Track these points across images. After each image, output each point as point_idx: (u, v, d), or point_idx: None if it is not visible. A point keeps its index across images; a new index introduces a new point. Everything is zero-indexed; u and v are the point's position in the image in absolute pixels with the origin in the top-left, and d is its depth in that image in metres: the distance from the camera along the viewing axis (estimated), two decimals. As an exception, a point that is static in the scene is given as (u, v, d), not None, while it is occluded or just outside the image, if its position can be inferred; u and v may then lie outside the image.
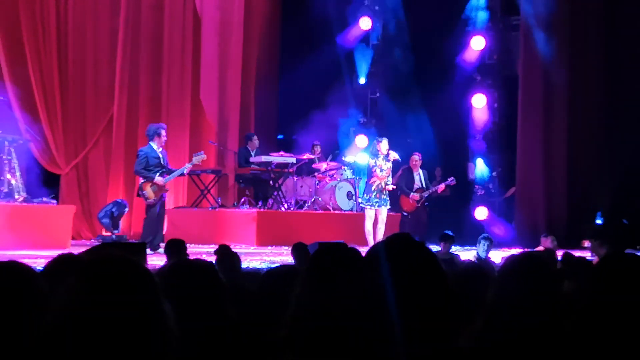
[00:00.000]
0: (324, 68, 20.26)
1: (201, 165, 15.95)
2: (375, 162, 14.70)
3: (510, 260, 3.44)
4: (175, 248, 8.43)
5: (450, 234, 12.41)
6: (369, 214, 14.83)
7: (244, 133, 18.99)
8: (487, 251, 11.93)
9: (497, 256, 13.08)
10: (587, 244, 15.28)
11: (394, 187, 15.88)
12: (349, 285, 3.04)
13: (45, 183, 16.71)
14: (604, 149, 19.23)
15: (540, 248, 13.64)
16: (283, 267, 4.84)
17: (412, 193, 17.37)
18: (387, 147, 14.75)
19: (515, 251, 14.93)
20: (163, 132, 14.36)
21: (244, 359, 3.42)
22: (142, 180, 14.25)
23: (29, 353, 2.18)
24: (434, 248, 11.21)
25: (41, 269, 4.06)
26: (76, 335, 2.07)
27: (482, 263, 10.83)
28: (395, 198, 17.00)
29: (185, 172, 14.94)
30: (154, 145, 14.31)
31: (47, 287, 3.27)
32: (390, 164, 14.79)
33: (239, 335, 3.53)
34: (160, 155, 14.39)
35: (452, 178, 17.68)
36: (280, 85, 21.07)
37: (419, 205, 17.50)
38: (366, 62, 21.52)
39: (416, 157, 17.21)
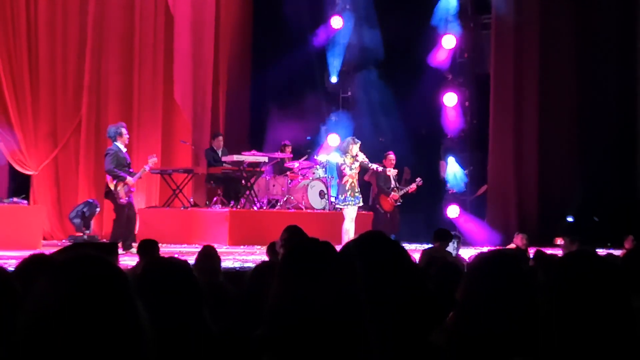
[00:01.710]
0: (295, 67, 20.27)
1: (173, 164, 15.91)
2: (344, 161, 14.69)
3: (479, 258, 3.46)
4: (148, 248, 8.41)
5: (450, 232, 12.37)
6: (349, 212, 14.76)
7: (215, 132, 18.97)
8: (457, 249, 11.96)
9: (468, 254, 13.11)
10: (559, 241, 15.38)
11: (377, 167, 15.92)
12: (324, 281, 3.04)
13: (16, 183, 16.62)
14: (575, 147, 19.36)
15: (512, 246, 13.73)
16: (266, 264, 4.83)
17: (391, 193, 17.43)
18: (358, 150, 14.75)
19: (486, 249, 15.03)
20: (124, 131, 14.30)
21: (220, 357, 3.42)
22: (114, 181, 14.18)
23: (3, 354, 2.17)
24: (410, 246, 11.23)
25: (12, 269, 4.04)
26: (50, 335, 2.06)
27: (453, 261, 10.85)
28: (366, 197, 17.01)
29: (143, 173, 14.84)
30: (119, 145, 14.26)
31: (20, 287, 3.26)
32: (358, 163, 14.78)
33: (215, 333, 3.53)
34: (125, 156, 14.37)
35: (420, 179, 17.80)
36: (252, 84, 21.04)
37: (396, 204, 17.58)
38: (338, 61, 21.52)
39: (391, 157, 17.25)
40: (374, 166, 15.43)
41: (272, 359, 2.88)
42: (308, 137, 20.48)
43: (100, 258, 2.21)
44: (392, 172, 16.40)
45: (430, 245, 11.41)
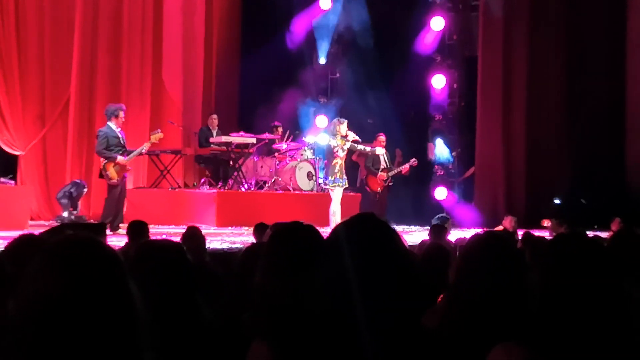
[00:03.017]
0: (284, 48, 20.23)
1: (160, 145, 15.87)
2: (336, 143, 14.67)
3: (472, 240, 3.46)
4: (138, 229, 8.39)
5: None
6: (337, 194, 14.76)
7: (207, 113, 18.93)
8: (446, 231, 11.95)
9: (456, 236, 13.12)
10: (546, 223, 15.42)
11: (369, 152, 15.95)
12: (310, 266, 3.04)
13: (4, 164, 16.56)
14: (562, 129, 19.39)
15: (499, 228, 13.76)
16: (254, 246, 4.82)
17: (379, 173, 17.41)
18: (346, 128, 14.74)
19: (474, 231, 15.05)
20: (121, 114, 14.27)
21: (211, 341, 3.42)
22: (104, 161, 14.16)
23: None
24: (398, 228, 11.19)
25: (1, 250, 4.03)
26: (45, 319, 2.05)
27: (441, 242, 10.85)
28: (353, 179, 17.01)
29: (143, 151, 14.88)
30: (112, 125, 14.24)
31: (10, 267, 3.25)
32: (349, 144, 14.77)
33: (208, 317, 3.53)
34: (120, 135, 14.32)
35: (414, 159, 17.75)
36: (242, 65, 20.99)
37: (385, 185, 17.56)
38: (326, 43, 21.49)
39: (382, 138, 17.23)
40: (361, 147, 15.42)
41: (260, 341, 2.88)
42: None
43: (92, 239, 2.21)
44: (379, 150, 16.36)
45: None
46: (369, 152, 16.16)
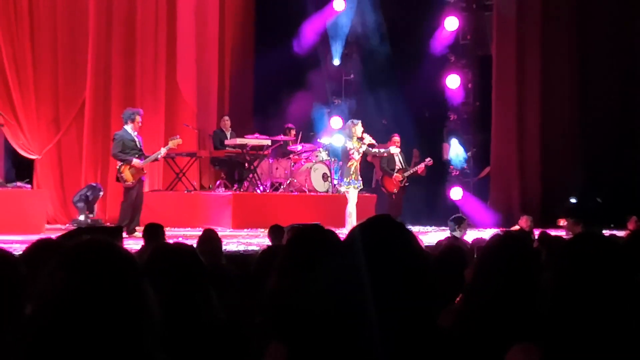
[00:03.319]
0: (298, 50, 20.24)
1: (176, 148, 15.90)
2: (352, 145, 14.59)
3: (491, 240, 3.46)
4: (154, 232, 8.42)
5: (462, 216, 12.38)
6: (352, 196, 14.69)
7: (221, 115, 18.95)
8: (463, 232, 11.94)
9: (471, 236, 13.11)
10: (562, 222, 15.37)
11: (384, 153, 15.95)
12: (327, 268, 3.04)
13: (20, 168, 16.62)
14: (577, 128, 19.33)
15: (515, 228, 13.72)
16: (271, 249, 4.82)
17: (394, 174, 17.39)
18: (361, 129, 14.68)
19: (490, 231, 15.02)
20: (138, 118, 14.30)
21: (225, 343, 3.42)
22: (120, 164, 14.21)
23: (13, 338, 2.17)
24: (413, 229, 11.18)
25: (19, 253, 4.04)
26: (61, 321, 2.07)
27: (457, 243, 10.85)
28: (369, 180, 16.99)
29: (160, 156, 14.90)
30: (128, 129, 14.27)
31: (27, 272, 3.26)
32: (364, 147, 14.72)
33: (222, 320, 3.53)
34: (136, 139, 14.35)
35: (429, 158, 17.73)
36: (255, 66, 20.99)
37: (401, 185, 17.54)
38: (340, 44, 21.49)
39: (396, 138, 17.20)
40: (376, 151, 15.39)
41: (278, 343, 2.88)
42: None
43: (109, 243, 2.22)
44: (394, 149, 16.33)
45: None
46: (384, 154, 16.13)
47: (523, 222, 14.09)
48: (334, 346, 2.67)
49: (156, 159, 14.90)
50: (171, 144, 14.89)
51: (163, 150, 14.84)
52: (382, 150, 15.76)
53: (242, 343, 3.38)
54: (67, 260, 2.15)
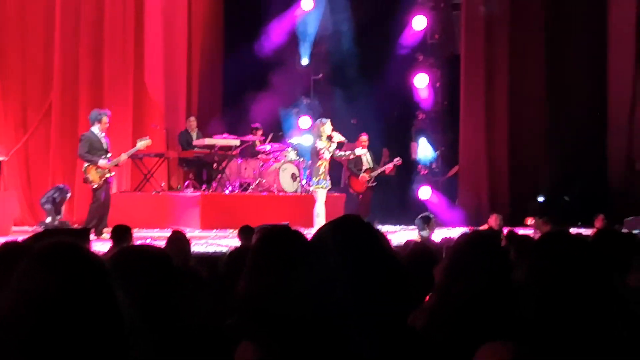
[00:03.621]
0: (267, 50, 20.20)
1: (144, 149, 15.82)
2: (322, 145, 14.55)
3: (460, 239, 3.47)
4: (122, 234, 8.39)
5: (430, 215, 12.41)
6: (321, 195, 14.65)
7: (189, 116, 18.88)
8: (431, 231, 11.98)
9: (440, 235, 13.15)
10: (530, 221, 15.46)
11: (350, 155, 15.93)
12: (296, 269, 3.04)
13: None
14: (545, 127, 19.48)
15: (485, 226, 13.78)
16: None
17: (361, 174, 17.40)
18: (331, 127, 14.65)
19: (459, 230, 15.08)
20: (105, 119, 14.24)
21: (197, 346, 3.40)
22: (86, 165, 14.13)
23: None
24: (382, 228, 11.15)
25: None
26: (31, 322, 2.05)
27: (426, 242, 10.88)
28: (337, 179, 16.99)
29: (127, 156, 14.80)
30: (95, 130, 14.21)
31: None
32: (335, 145, 14.70)
33: (194, 323, 3.51)
34: (103, 141, 14.28)
35: (399, 158, 17.77)
36: (224, 67, 20.94)
37: (368, 185, 17.54)
38: (309, 44, 21.48)
39: (364, 138, 17.21)
40: (342, 154, 15.37)
41: (247, 342, 2.88)
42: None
43: (77, 246, 2.20)
44: (359, 151, 16.32)
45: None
46: (350, 156, 16.10)
47: (492, 221, 14.16)
48: (304, 345, 2.67)
49: (120, 161, 14.77)
50: (139, 145, 14.83)
51: (131, 152, 14.78)
52: (347, 152, 15.74)
53: (213, 346, 3.36)
54: (35, 263, 2.13)
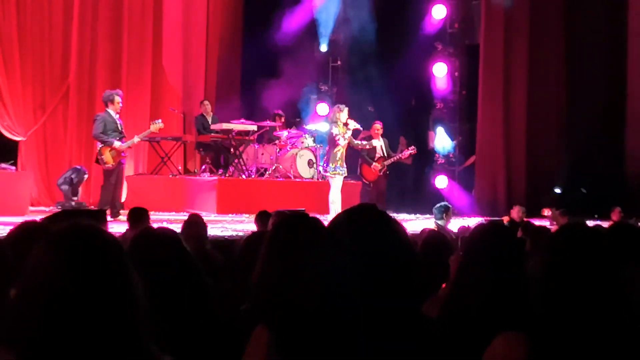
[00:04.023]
0: (285, 35, 20.18)
1: (161, 132, 15.83)
2: (338, 131, 14.54)
3: (477, 230, 3.47)
4: (138, 216, 8.41)
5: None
6: (337, 182, 14.58)
7: (209, 100, 18.87)
8: (447, 221, 11.97)
9: (456, 225, 13.13)
10: (546, 212, 15.42)
11: (366, 145, 15.92)
12: (312, 256, 3.04)
13: (4, 149, 16.54)
14: (563, 119, 19.41)
15: (506, 218, 13.72)
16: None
17: (374, 163, 17.38)
18: (347, 115, 14.62)
19: (475, 220, 15.06)
20: (117, 99, 14.20)
21: (215, 331, 3.42)
22: (100, 145, 14.14)
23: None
24: (398, 216, 11.20)
25: (3, 236, 4.03)
26: (48, 306, 2.06)
27: (442, 231, 10.87)
28: (353, 167, 16.97)
29: (140, 139, 14.76)
30: (110, 111, 14.20)
31: (12, 255, 3.25)
32: (350, 132, 14.68)
33: (213, 308, 3.53)
34: (117, 122, 14.29)
35: (413, 147, 17.71)
36: (243, 51, 20.94)
37: (381, 174, 17.52)
38: (328, 30, 21.46)
39: (378, 126, 17.19)
40: (358, 142, 15.39)
41: (262, 327, 2.88)
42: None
43: (95, 228, 2.21)
44: (376, 142, 16.32)
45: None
46: (366, 146, 16.07)
47: (514, 213, 14.11)
48: (317, 332, 2.68)
49: (133, 143, 14.71)
50: (153, 127, 14.82)
51: (144, 134, 14.78)
52: (364, 142, 15.72)
53: (229, 329, 3.38)
54: (53, 244, 2.14)
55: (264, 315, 3.04)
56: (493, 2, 19.13)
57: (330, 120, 15.03)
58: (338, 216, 2.92)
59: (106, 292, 2.09)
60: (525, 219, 11.93)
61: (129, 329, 2.12)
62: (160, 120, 15.13)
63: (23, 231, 3.96)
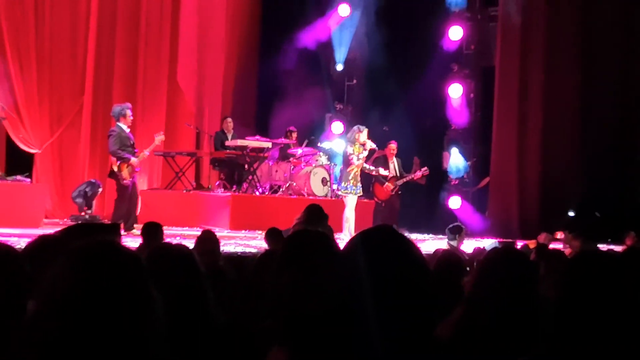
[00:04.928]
0: (302, 54, 20.25)
1: (176, 147, 15.90)
2: (353, 150, 14.57)
3: (493, 253, 3.48)
4: (153, 231, 8.43)
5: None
6: (350, 201, 14.63)
7: (224, 116, 18.96)
8: (460, 242, 11.95)
9: (469, 246, 13.10)
10: (559, 235, 15.37)
11: (373, 170, 15.92)
12: (327, 274, 3.05)
13: (20, 162, 16.62)
14: (577, 142, 19.35)
15: (533, 242, 13.62)
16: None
17: (386, 182, 17.39)
18: (366, 136, 14.64)
19: (488, 241, 15.04)
20: (128, 112, 14.27)
21: (224, 346, 3.43)
22: (118, 162, 14.18)
23: (17, 336, 2.18)
24: (411, 236, 11.14)
25: (21, 248, 4.05)
26: (68, 321, 2.07)
27: (455, 252, 10.85)
28: (366, 186, 16.98)
29: (147, 153, 14.82)
30: (122, 125, 14.26)
31: (30, 269, 3.27)
32: (366, 153, 14.71)
33: (221, 322, 3.54)
34: (129, 136, 14.36)
35: (426, 168, 17.72)
36: (259, 69, 21.02)
37: (393, 193, 17.53)
38: (344, 49, 21.51)
39: (393, 146, 17.21)
40: (367, 167, 15.41)
41: (278, 347, 2.90)
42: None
43: (116, 244, 2.23)
44: (384, 172, 16.36)
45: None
46: (373, 172, 16.07)
47: (542, 238, 13.99)
48: (333, 352, 2.69)
49: (144, 157, 14.79)
50: (157, 140, 14.88)
51: (146, 153, 14.81)
52: (372, 167, 15.74)
53: (241, 346, 3.39)
54: (74, 260, 2.16)
55: (281, 332, 3.06)
56: (509, 24, 19.14)
57: (347, 139, 15.07)
58: (355, 236, 2.93)
59: (126, 308, 2.11)
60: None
61: (148, 344, 2.14)
62: (162, 132, 15.24)
63: (41, 245, 3.97)
